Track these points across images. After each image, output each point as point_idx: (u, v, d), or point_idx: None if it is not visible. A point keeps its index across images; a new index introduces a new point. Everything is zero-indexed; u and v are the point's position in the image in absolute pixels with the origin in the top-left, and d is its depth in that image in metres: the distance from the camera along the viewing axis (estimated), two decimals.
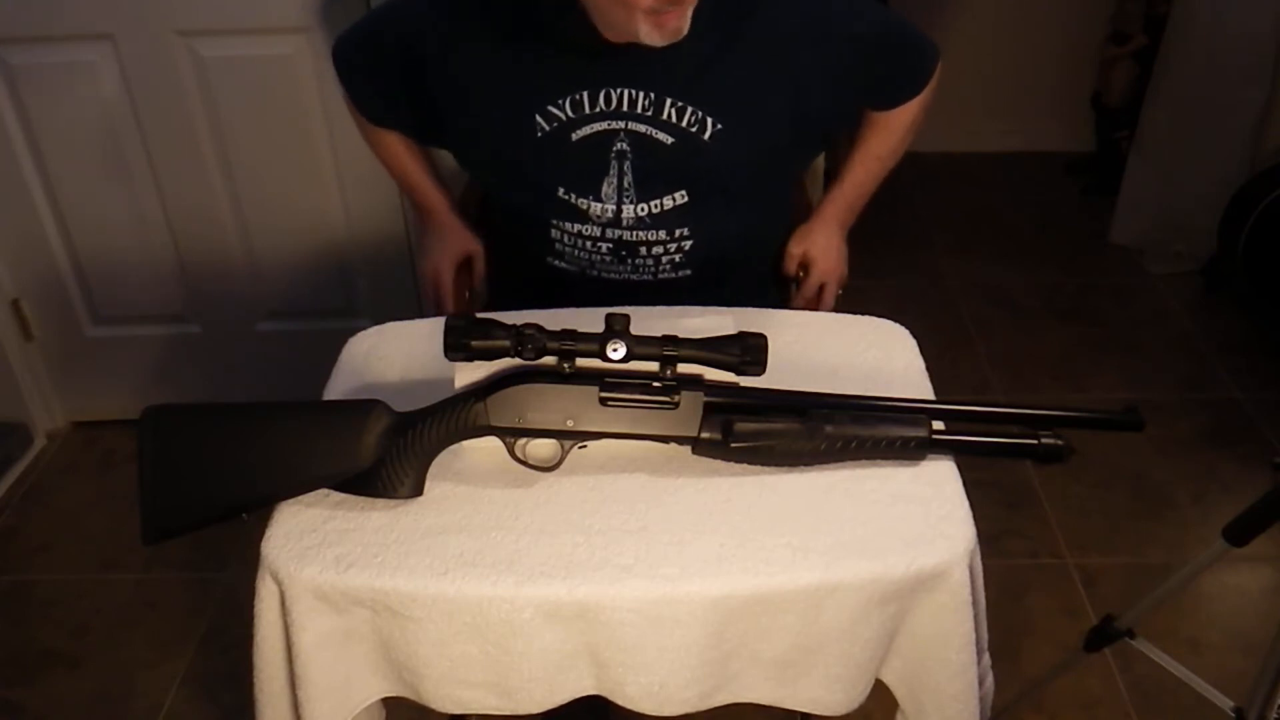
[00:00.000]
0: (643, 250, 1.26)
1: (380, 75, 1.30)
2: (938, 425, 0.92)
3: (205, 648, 1.81)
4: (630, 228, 1.24)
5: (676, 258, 1.27)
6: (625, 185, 1.22)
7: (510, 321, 0.89)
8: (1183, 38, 2.66)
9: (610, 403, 0.89)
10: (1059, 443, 0.90)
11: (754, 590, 0.83)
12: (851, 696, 0.91)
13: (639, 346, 0.87)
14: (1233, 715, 1.26)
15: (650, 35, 1.07)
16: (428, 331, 1.11)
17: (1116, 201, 2.96)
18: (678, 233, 1.25)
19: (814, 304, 1.40)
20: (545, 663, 0.86)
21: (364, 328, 1.16)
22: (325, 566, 0.85)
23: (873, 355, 1.10)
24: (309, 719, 0.89)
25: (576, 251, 1.28)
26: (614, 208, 1.23)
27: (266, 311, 2.20)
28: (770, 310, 1.20)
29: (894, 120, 1.34)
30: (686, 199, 1.23)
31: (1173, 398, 2.38)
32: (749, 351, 0.88)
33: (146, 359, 2.25)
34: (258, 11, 1.86)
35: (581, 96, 1.18)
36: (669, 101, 1.18)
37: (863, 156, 1.37)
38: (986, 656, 0.97)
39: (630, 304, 1.09)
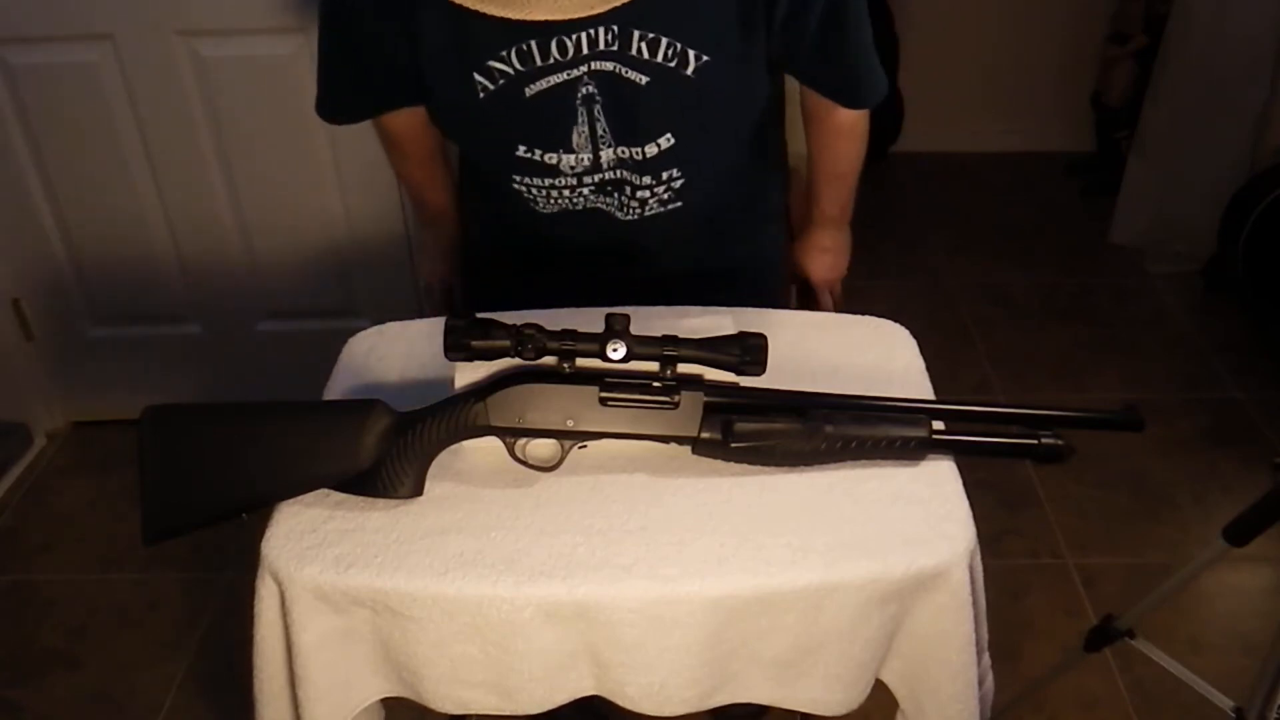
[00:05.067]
0: (627, 189, 1.14)
1: (357, 67, 1.13)
2: (938, 425, 0.92)
3: (205, 648, 1.81)
4: (612, 168, 1.11)
5: (664, 195, 1.16)
6: (600, 132, 1.07)
7: (510, 321, 0.89)
8: (1183, 38, 2.67)
9: (610, 403, 0.89)
10: (1059, 443, 0.90)
11: (754, 590, 0.83)
12: (851, 696, 0.91)
13: (639, 346, 0.87)
14: (1233, 715, 1.26)
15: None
16: (428, 331, 1.11)
17: (1116, 201, 2.97)
18: (665, 175, 1.13)
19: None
20: (545, 663, 0.86)
21: (364, 328, 1.16)
22: (325, 566, 0.85)
23: (873, 355, 1.09)
24: (309, 719, 0.89)
25: (550, 203, 1.16)
26: (590, 156, 1.09)
27: (266, 311, 2.20)
28: (770, 310, 1.20)
29: (842, 132, 1.23)
30: (673, 141, 1.09)
31: (1173, 398, 2.38)
32: (749, 351, 0.88)
33: (146, 359, 2.25)
34: (258, 11, 1.87)
35: (529, 46, 1.01)
36: (637, 35, 1.01)
37: (825, 176, 1.29)
38: (986, 656, 0.97)
39: (618, 257, 1.06)
